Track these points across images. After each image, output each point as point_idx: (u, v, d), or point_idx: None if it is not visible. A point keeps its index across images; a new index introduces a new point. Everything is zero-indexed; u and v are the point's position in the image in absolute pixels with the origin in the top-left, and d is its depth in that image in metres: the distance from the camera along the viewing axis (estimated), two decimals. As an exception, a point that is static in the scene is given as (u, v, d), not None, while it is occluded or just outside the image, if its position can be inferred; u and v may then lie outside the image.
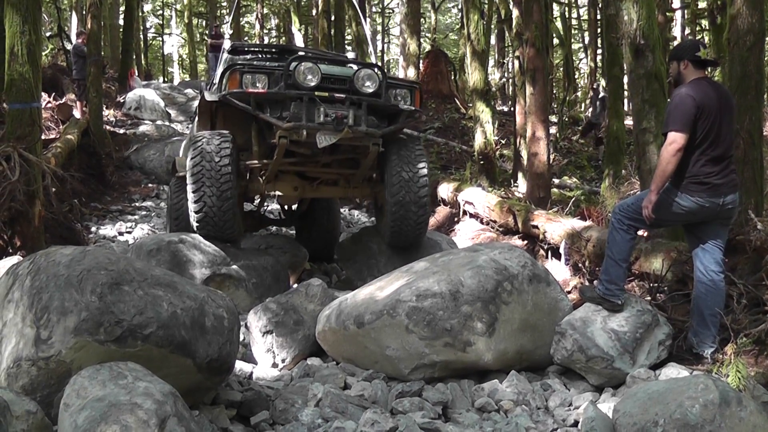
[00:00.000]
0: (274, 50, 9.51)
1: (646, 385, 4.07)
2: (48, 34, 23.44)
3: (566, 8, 31.71)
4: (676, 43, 27.21)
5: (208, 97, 7.46)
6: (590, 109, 20.03)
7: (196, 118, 8.63)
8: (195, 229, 7.29)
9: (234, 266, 7.22)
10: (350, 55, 10.52)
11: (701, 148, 4.95)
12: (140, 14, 38.84)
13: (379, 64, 8.41)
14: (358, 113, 7.00)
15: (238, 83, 6.91)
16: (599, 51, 28.84)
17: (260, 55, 9.17)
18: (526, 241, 9.77)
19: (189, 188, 7.04)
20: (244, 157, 7.61)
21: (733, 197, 5.05)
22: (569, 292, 7.48)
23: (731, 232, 5.61)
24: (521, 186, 14.12)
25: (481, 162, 14.12)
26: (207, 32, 35.95)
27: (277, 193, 8.12)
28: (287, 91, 6.89)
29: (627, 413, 3.80)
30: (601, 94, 19.04)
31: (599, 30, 26.89)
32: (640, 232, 5.85)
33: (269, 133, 7.30)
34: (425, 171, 7.60)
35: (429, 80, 21.63)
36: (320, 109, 6.85)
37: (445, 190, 13.12)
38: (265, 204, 10.38)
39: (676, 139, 4.87)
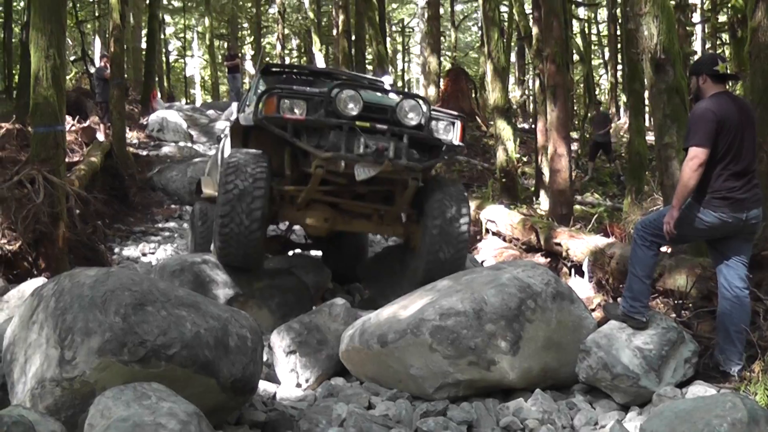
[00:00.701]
0: (308, 72, 9.15)
1: (673, 404, 4.02)
2: (72, 58, 23.70)
3: (586, 24, 31.72)
4: (696, 57, 27.11)
5: (242, 120, 7.19)
6: (596, 131, 19.69)
7: (227, 139, 8.45)
8: (217, 251, 7.03)
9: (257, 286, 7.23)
10: (387, 79, 10.02)
11: (723, 163, 4.91)
12: (162, 37, 39.27)
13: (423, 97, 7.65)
14: (399, 146, 6.68)
15: (276, 108, 6.58)
16: (619, 66, 28.82)
17: (294, 77, 8.85)
18: (549, 259, 9.73)
19: (219, 209, 6.67)
20: (275, 181, 7.19)
21: (757, 212, 5.01)
22: (593, 310, 7.43)
23: (756, 248, 5.56)
24: (543, 203, 14.09)
25: (503, 180, 14.11)
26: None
27: (307, 221, 7.62)
28: (327, 119, 6.56)
29: (654, 432, 3.76)
30: (604, 113, 19.22)
31: (619, 45, 26.90)
32: (663, 249, 5.81)
33: (304, 160, 7.00)
34: (468, 215, 7.22)
35: (450, 98, 21.64)
36: (360, 139, 6.53)
37: (467, 208, 13.08)
38: (292, 228, 10.15)
39: (697, 154, 4.83)
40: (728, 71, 5.23)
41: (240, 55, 30.78)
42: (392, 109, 6.77)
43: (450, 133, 7.14)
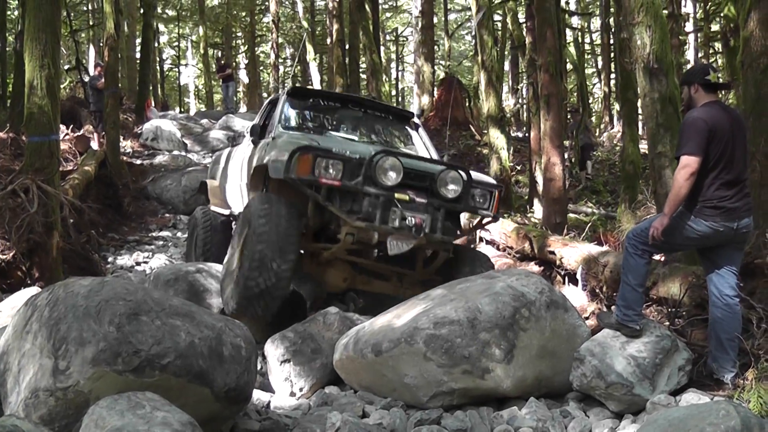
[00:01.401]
0: (335, 97, 8.66)
1: (667, 412, 4.03)
2: (66, 67, 23.69)
3: (579, 33, 31.82)
4: (689, 66, 27.24)
5: (272, 172, 6.58)
6: (575, 137, 19.33)
7: (247, 147, 8.14)
8: (231, 303, 6.42)
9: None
10: (414, 109, 9.20)
11: (715, 172, 4.93)
12: (156, 46, 39.27)
13: (464, 168, 7.22)
14: (435, 218, 6.41)
15: (310, 169, 6.15)
16: (613, 75, 28.91)
17: (321, 102, 8.40)
18: (542, 267, 9.74)
19: (247, 263, 6.12)
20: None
21: (748, 221, 5.03)
22: (587, 318, 7.45)
23: (749, 256, 5.58)
24: (537, 212, 14.11)
25: (497, 188, 14.10)
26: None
27: (326, 278, 7.18)
28: (365, 188, 6.20)
29: (648, 440, 3.76)
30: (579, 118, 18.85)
31: (612, 54, 27.00)
32: (656, 257, 5.82)
33: (333, 220, 6.64)
34: None
35: (443, 107, 21.67)
36: (397, 211, 6.23)
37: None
38: None
39: (689, 163, 4.85)
40: (720, 80, 5.26)
41: (233, 64, 30.89)
42: (431, 177, 6.49)
43: (486, 202, 6.88)
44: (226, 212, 8.88)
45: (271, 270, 6.04)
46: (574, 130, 19.49)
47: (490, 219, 7.01)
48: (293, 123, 7.95)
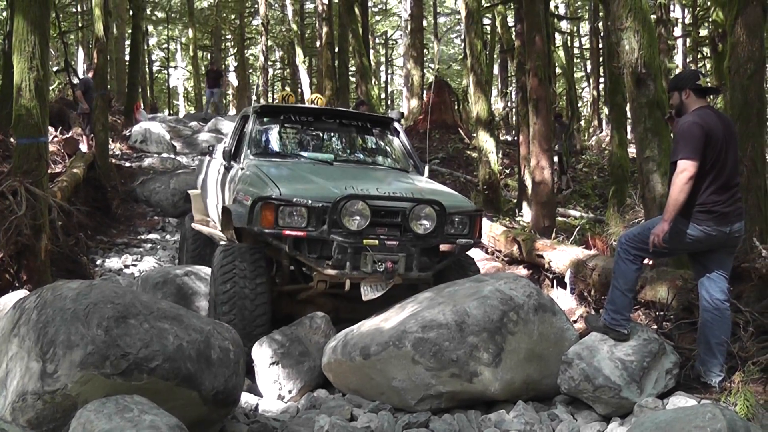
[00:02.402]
0: (305, 112, 8.12)
1: (654, 415, 4.05)
2: (55, 68, 23.61)
3: (568, 37, 31.93)
4: (677, 71, 27.36)
5: (236, 222, 6.46)
6: (565, 141, 18.68)
7: (218, 164, 8.00)
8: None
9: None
10: (394, 114, 8.74)
11: (709, 177, 4.94)
12: (146, 48, 39.19)
13: (438, 200, 6.42)
14: (410, 254, 6.13)
15: (274, 220, 6.00)
16: (601, 80, 29.02)
17: (292, 117, 7.97)
18: (531, 271, 9.77)
19: (219, 306, 6.05)
20: (272, 277, 6.63)
21: (740, 225, 5.05)
22: (575, 322, 7.47)
23: (737, 260, 5.61)
24: (526, 215, 14.15)
25: (486, 192, 14.18)
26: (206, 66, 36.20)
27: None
28: (331, 237, 5.97)
29: (635, 443, 3.78)
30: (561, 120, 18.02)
31: (601, 59, 27.10)
32: (646, 261, 5.84)
33: (306, 265, 6.45)
34: None
35: (433, 110, 21.71)
36: (368, 255, 5.99)
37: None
38: None
39: (687, 167, 4.85)
40: (709, 85, 5.28)
41: (223, 67, 30.70)
42: (403, 214, 6.20)
43: (465, 228, 6.56)
44: (207, 232, 8.70)
45: (243, 313, 5.96)
46: (563, 134, 19.24)
47: (471, 245, 6.70)
48: (263, 147, 7.62)
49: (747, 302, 5.57)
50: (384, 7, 45.31)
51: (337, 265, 5.99)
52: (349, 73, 25.41)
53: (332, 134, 8.26)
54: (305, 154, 7.62)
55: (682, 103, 5.18)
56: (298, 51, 30.62)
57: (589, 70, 35.54)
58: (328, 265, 6.03)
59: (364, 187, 6.30)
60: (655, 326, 6.14)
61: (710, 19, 18.06)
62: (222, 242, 7.38)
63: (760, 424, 4.11)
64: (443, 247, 6.73)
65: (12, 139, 8.78)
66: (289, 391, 5.63)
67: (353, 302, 6.71)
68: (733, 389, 4.73)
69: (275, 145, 7.79)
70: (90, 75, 17.05)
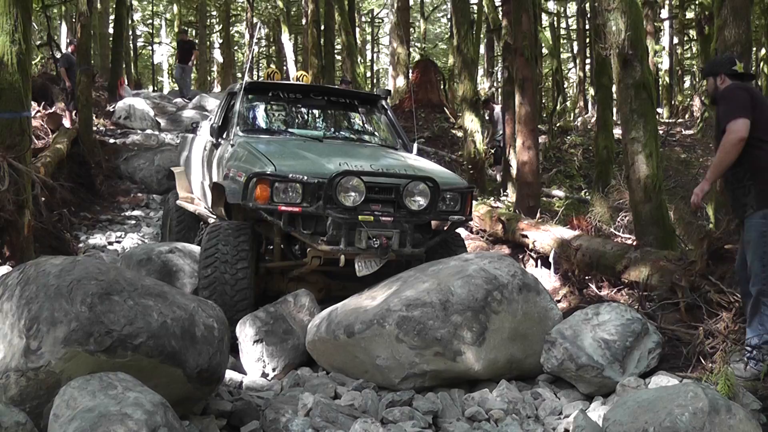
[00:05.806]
0: (295, 89, 8.15)
1: (636, 394, 4.09)
2: (37, 43, 23.36)
3: (555, 18, 31.88)
4: (663, 53, 27.41)
5: (230, 199, 6.41)
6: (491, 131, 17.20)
7: (204, 141, 8.02)
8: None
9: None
10: (383, 91, 8.71)
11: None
12: (130, 23, 38.80)
13: (431, 177, 6.46)
14: (404, 231, 6.19)
15: (269, 196, 5.99)
16: (588, 61, 29.01)
17: (281, 94, 7.94)
18: (515, 250, 9.80)
19: (202, 280, 6.14)
20: (263, 254, 6.72)
21: None
22: (559, 301, 7.51)
23: (719, 241, 5.65)
24: (511, 195, 14.17)
25: (471, 171, 14.17)
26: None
27: None
28: (326, 212, 6.00)
29: (617, 421, 3.81)
30: (496, 110, 16.97)
31: (588, 40, 27.06)
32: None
33: (300, 241, 6.43)
34: None
35: (418, 89, 21.64)
36: (362, 231, 6.02)
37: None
38: None
39: (738, 128, 4.70)
40: (744, 70, 5.16)
41: (194, 42, 28.45)
42: (397, 190, 6.24)
43: (457, 205, 6.60)
44: (192, 209, 8.68)
45: (224, 295, 5.99)
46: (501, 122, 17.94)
47: (462, 221, 6.77)
48: (252, 124, 7.65)
49: (730, 283, 5.61)
50: (370, -15, 45.10)
51: (331, 240, 6.05)
52: (335, 51, 25.27)
53: (321, 111, 8.29)
54: (295, 130, 7.66)
55: (716, 89, 5.09)
56: (284, 28, 30.40)
57: (575, 51, 35.50)
58: (323, 241, 6.08)
59: (357, 163, 6.34)
60: (638, 306, 6.18)
61: (697, 2, 18.09)
62: (210, 219, 7.35)
63: (741, 402, 4.15)
64: (434, 224, 6.78)
65: (-6, 114, 8.67)
66: (273, 369, 5.64)
67: (345, 280, 6.74)
68: (714, 369, 4.78)
69: (265, 121, 7.82)
70: (71, 50, 16.88)
